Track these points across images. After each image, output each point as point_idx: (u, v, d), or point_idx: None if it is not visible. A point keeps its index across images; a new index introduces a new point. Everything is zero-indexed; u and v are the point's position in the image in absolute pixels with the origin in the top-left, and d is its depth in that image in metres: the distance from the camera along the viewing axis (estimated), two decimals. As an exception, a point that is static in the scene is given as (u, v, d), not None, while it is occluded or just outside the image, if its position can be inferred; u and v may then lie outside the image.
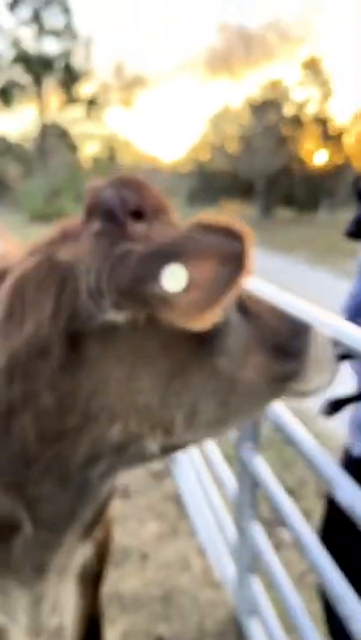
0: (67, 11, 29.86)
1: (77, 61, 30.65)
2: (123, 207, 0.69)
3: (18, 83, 30.28)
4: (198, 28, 71.93)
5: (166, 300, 0.59)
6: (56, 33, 30.09)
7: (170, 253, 0.59)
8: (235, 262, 0.59)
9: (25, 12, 29.75)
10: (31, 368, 0.68)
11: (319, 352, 0.86)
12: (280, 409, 1.44)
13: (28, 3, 29.65)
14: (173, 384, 0.72)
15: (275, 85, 33.14)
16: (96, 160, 32.63)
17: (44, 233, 0.78)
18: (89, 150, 33.64)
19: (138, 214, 0.70)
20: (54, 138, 31.13)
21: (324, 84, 32.87)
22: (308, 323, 0.88)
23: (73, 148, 31.79)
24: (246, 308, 0.80)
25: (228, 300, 0.60)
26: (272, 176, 32.06)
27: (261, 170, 31.58)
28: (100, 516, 0.90)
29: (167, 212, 0.75)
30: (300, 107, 33.12)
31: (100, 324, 0.65)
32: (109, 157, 32.08)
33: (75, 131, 31.93)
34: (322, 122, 33.20)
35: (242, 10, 31.78)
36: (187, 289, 0.58)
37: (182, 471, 2.98)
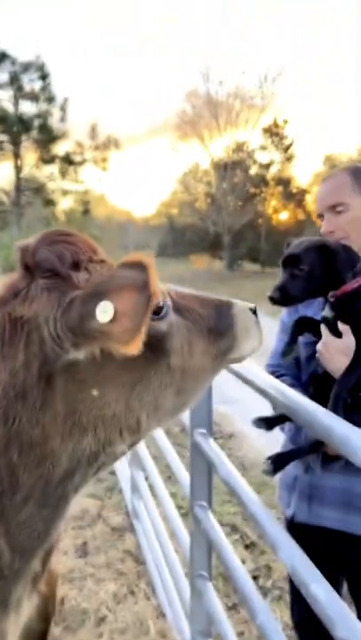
0: (44, 76, 31.32)
1: (54, 122, 31.81)
2: (62, 263, 0.80)
3: (-5, 141, 30.97)
4: (169, 95, 76.77)
5: (103, 331, 0.70)
6: (33, 96, 31.33)
7: (99, 292, 0.71)
8: (145, 288, 0.70)
9: (3, 75, 31.03)
10: (12, 411, 0.78)
11: (243, 322, 1.00)
12: (230, 468, 1.48)
13: (6, 67, 31.01)
14: (135, 391, 0.83)
15: (240, 148, 35.18)
16: (70, 214, 33.23)
17: None
18: (64, 204, 34.25)
19: (75, 264, 0.83)
20: (30, 192, 31.73)
21: (286, 149, 35.12)
22: (228, 300, 1.02)
23: (48, 202, 32.36)
24: (179, 306, 0.94)
25: (148, 320, 0.71)
26: (238, 231, 33.35)
27: (228, 225, 32.84)
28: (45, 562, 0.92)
29: (97, 251, 0.87)
30: (265, 167, 35.11)
31: (65, 362, 0.76)
32: (84, 211, 32.71)
33: (50, 186, 32.64)
34: (285, 182, 35.20)
35: (207, 79, 34.28)
36: (116, 319, 0.69)
37: (143, 526, 2.93)
